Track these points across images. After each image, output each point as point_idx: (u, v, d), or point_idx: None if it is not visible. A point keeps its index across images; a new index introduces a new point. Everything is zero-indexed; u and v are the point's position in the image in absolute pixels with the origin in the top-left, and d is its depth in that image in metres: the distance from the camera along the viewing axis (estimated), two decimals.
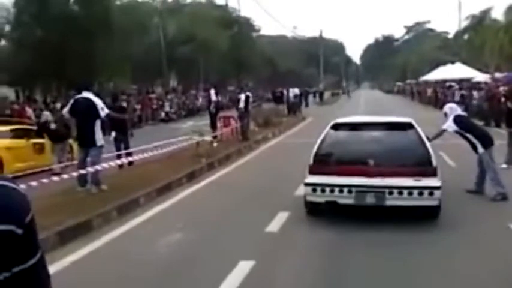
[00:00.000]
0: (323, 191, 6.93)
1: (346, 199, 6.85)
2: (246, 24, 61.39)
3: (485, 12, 48.49)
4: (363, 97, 67.11)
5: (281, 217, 7.37)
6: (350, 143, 7.58)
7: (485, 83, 30.76)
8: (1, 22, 30.97)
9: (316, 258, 5.75)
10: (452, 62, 42.70)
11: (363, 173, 6.87)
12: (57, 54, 27.91)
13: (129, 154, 11.88)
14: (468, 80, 34.36)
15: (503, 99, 21.76)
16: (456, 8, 63.32)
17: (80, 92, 9.32)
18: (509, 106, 12.29)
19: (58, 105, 21.25)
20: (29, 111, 21.05)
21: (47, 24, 29.13)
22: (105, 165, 9.25)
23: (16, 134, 12.73)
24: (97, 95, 9.77)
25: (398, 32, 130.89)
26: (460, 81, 35.21)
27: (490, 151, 8.49)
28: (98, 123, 8.98)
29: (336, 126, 7.83)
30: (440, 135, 8.79)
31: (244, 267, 5.34)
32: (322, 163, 7.23)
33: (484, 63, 39.41)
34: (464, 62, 41.78)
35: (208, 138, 14.30)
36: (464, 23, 52.57)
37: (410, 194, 6.55)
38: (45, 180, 7.97)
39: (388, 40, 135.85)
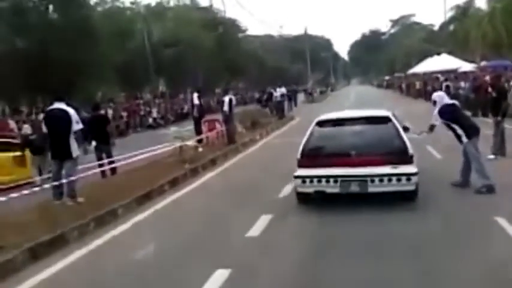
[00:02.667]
0: (311, 182, 7.65)
1: (332, 188, 7.57)
2: (232, 25, 61.21)
3: (470, 2, 48.55)
4: (353, 93, 67.13)
5: (263, 220, 7.22)
6: (333, 137, 8.22)
7: (471, 72, 30.77)
8: None
9: (295, 264, 5.56)
10: (438, 54, 42.81)
11: (347, 163, 7.56)
12: (39, 64, 27.58)
13: (111, 162, 11.75)
14: (454, 71, 34.38)
15: (489, 88, 21.77)
16: (441, 0, 63.53)
17: (51, 103, 9.06)
18: (493, 95, 12.17)
19: (40, 117, 21.00)
20: (12, 124, 20.85)
21: (26, 34, 28.78)
22: (84, 174, 9.07)
23: None
24: (73, 106, 9.49)
25: (385, 26, 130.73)
26: (446, 73, 35.24)
27: (475, 141, 8.36)
28: (72, 134, 8.68)
29: (320, 123, 8.52)
30: (432, 131, 8.73)
31: (220, 276, 5.18)
32: (309, 157, 7.90)
33: (470, 52, 39.40)
34: (451, 53, 41.88)
35: (190, 143, 14.09)
36: (449, 14, 52.73)
37: (389, 180, 7.27)
38: (25, 192, 7.83)
39: (374, 35, 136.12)
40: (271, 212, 7.58)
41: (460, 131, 8.41)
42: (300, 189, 7.90)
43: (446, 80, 30.78)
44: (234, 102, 17.22)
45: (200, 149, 14.80)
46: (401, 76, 61.18)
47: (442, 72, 36.21)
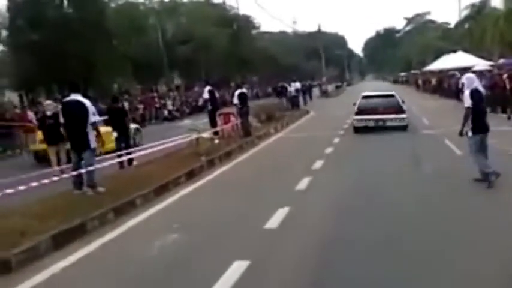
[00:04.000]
0: (361, 121, 16.87)
1: (371, 123, 16.61)
2: (246, 22, 61.05)
3: (485, 1, 47.96)
4: (370, 88, 66.79)
5: (281, 213, 7.19)
6: (369, 102, 17.56)
7: (489, 70, 30.40)
8: None
9: (314, 256, 5.55)
10: (454, 51, 42.44)
11: (376, 113, 16.71)
12: (55, 57, 27.82)
13: (129, 153, 11.93)
14: (469, 68, 34.06)
15: (507, 85, 21.53)
16: None
17: (68, 95, 9.10)
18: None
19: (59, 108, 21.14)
20: (31, 115, 21.01)
21: (42, 28, 29.03)
22: (105, 164, 9.14)
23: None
24: (90, 98, 9.52)
25: (399, 24, 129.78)
26: (462, 70, 34.91)
27: (477, 138, 8.42)
28: (89, 125, 8.72)
29: (363, 97, 18.03)
30: (468, 116, 8.43)
31: (238, 267, 5.16)
32: (360, 111, 17.07)
33: (486, 50, 39.03)
34: (467, 51, 41.48)
35: (206, 135, 14.12)
36: (464, 13, 52.16)
37: (395, 120, 16.44)
38: (45, 181, 7.84)
39: (389, 32, 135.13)
40: (288, 205, 7.54)
41: (470, 123, 8.42)
42: (356, 124, 17.12)
43: (461, 77, 30.47)
44: (248, 95, 17.25)
45: (216, 141, 14.83)
46: (417, 73, 60.77)
47: (458, 70, 35.88)
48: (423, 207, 7.38)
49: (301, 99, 34.11)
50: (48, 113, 12.28)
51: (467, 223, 6.44)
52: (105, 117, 12.83)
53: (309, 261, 5.40)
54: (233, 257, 5.40)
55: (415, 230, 6.30)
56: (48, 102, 13.44)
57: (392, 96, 17.80)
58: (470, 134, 8.46)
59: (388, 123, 16.42)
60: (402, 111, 16.70)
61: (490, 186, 8.09)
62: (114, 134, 12.44)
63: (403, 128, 16.27)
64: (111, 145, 12.62)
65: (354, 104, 17.69)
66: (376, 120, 16.62)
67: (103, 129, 13.70)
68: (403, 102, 17.23)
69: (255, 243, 6.05)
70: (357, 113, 17.08)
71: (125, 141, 12.46)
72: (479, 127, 8.46)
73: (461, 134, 8.57)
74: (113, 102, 13.57)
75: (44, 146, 13.06)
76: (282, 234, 6.35)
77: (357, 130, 16.91)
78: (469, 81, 8.72)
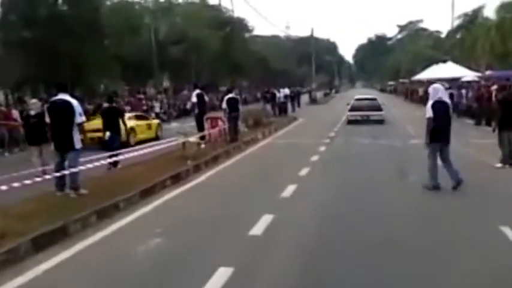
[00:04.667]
0: (352, 116, 24.89)
1: (359, 117, 24.57)
2: (239, 25, 61.07)
3: (478, 11, 48.37)
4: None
5: (266, 220, 7.19)
6: (358, 103, 25.86)
7: (476, 81, 30.71)
8: None
9: (298, 263, 5.56)
10: (444, 61, 42.75)
11: (363, 110, 25.00)
12: (45, 55, 27.59)
13: (114, 155, 11.77)
14: (458, 79, 34.35)
15: (493, 97, 21.72)
16: (449, 7, 63.46)
17: (56, 94, 9.02)
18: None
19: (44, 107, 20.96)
20: (15, 113, 20.79)
21: (35, 25, 28.78)
22: (90, 165, 9.09)
23: (137, 118, 20.30)
24: (77, 98, 9.44)
25: (391, 31, 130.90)
26: (450, 81, 35.20)
27: (434, 147, 8.91)
28: (75, 126, 8.65)
29: (355, 99, 26.45)
30: (430, 126, 8.87)
31: (223, 273, 5.15)
32: (352, 108, 25.24)
33: (475, 61, 39.40)
34: (457, 61, 41.81)
35: (193, 139, 14.08)
36: (457, 22, 52.62)
37: (376, 115, 24.53)
38: (27, 181, 7.74)
39: (380, 39, 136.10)
40: (273, 212, 7.55)
41: (429, 134, 8.87)
42: (349, 118, 24.64)
43: (450, 87, 30.70)
44: (239, 101, 17.20)
45: (202, 146, 14.80)
46: (405, 82, 61.16)
47: (447, 80, 36.16)
48: (407, 213, 7.56)
49: (289, 105, 34.18)
50: (32, 112, 12.04)
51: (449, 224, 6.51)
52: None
53: (294, 268, 5.41)
54: (217, 263, 5.40)
55: (400, 236, 6.38)
56: (33, 101, 13.26)
57: (375, 99, 26.84)
58: (428, 141, 8.94)
59: (371, 118, 24.44)
60: (381, 110, 25.03)
61: (426, 187, 8.87)
62: (107, 134, 12.48)
63: (381, 122, 24.01)
64: (144, 135, 18.17)
65: (348, 104, 25.91)
66: (362, 116, 24.75)
67: (135, 122, 18.94)
68: (382, 104, 25.88)
69: (239, 249, 6.04)
70: (350, 110, 25.31)
71: (116, 141, 12.58)
72: (438, 136, 8.85)
73: (428, 142, 8.93)
74: (108, 102, 13.60)
75: None
76: (266, 241, 6.35)
77: (350, 122, 24.57)
78: (434, 92, 9.05)
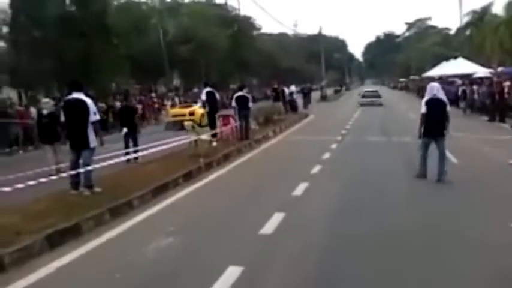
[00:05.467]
0: (362, 101, 39.89)
1: (366, 102, 39.14)
2: (247, 23, 61.04)
3: (486, 8, 48.06)
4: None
5: (277, 218, 7.19)
6: (364, 93, 42.37)
7: (488, 78, 30.46)
8: None
9: (309, 262, 5.56)
10: (455, 58, 42.49)
11: (368, 97, 40.79)
12: (55, 55, 27.80)
13: (136, 151, 12.29)
14: (469, 76, 34.10)
15: (506, 94, 21.57)
16: (457, 4, 63.00)
17: (70, 93, 9.08)
18: None
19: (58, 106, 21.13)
20: (33, 111, 20.96)
21: (44, 25, 29.00)
22: (111, 162, 9.24)
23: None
24: (91, 97, 9.50)
25: (400, 29, 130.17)
26: (462, 77, 34.99)
27: (424, 141, 9.71)
28: (89, 124, 8.71)
29: (364, 91, 44.58)
30: (423, 121, 9.68)
31: (232, 273, 5.16)
32: (362, 96, 41.64)
33: (486, 58, 39.11)
34: (467, 58, 41.53)
35: (204, 137, 14.11)
36: (466, 19, 52.27)
37: (377, 101, 39.14)
38: (43, 179, 7.81)
39: (389, 37, 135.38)
40: (284, 211, 7.55)
41: (422, 128, 9.68)
42: (360, 102, 39.18)
43: (463, 84, 30.51)
44: (250, 99, 17.17)
45: (214, 144, 14.82)
46: (415, 79, 60.83)
47: (458, 76, 35.94)
48: (419, 210, 7.60)
49: (301, 102, 34.28)
50: (44, 111, 12.14)
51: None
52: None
53: (304, 267, 5.41)
54: (228, 262, 5.40)
55: (412, 236, 6.35)
56: (45, 100, 13.38)
57: (376, 91, 43.34)
58: (419, 135, 9.76)
59: (374, 102, 38.37)
60: (380, 97, 40.43)
61: (416, 176, 9.69)
62: (124, 130, 13.17)
63: (380, 104, 37.74)
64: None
65: (359, 94, 43.29)
66: (368, 101, 38.91)
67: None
68: (381, 95, 41.55)
69: (250, 248, 6.04)
70: (361, 97, 41.03)
71: (133, 137, 13.19)
72: (429, 131, 9.60)
73: (420, 135, 9.76)
74: (124, 100, 14.96)
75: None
76: (276, 240, 6.34)
77: (361, 105, 37.85)
78: (430, 90, 9.78)
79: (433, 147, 9.71)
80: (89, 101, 8.88)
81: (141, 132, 14.27)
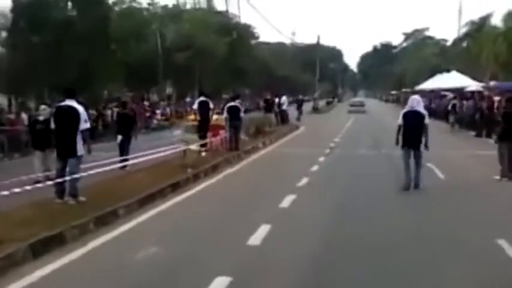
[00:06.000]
0: (350, 109, 53.40)
1: (353, 110, 52.98)
2: (246, 31, 61.18)
3: (485, 19, 47.85)
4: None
5: (264, 230, 7.21)
6: (353, 104, 58.88)
7: (479, 92, 30.60)
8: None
9: (296, 273, 5.59)
10: (448, 71, 42.62)
11: (355, 106, 55.98)
12: (52, 60, 27.70)
13: (126, 159, 12.49)
14: (461, 89, 34.25)
15: (495, 109, 21.70)
16: (456, 15, 63.26)
17: (62, 100, 9.08)
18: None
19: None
20: (25, 118, 20.88)
21: (43, 30, 28.91)
22: (98, 170, 9.26)
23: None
24: (82, 104, 9.50)
25: (397, 39, 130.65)
26: (454, 91, 35.14)
27: (405, 151, 10.22)
28: (79, 132, 8.69)
29: (352, 101, 64.00)
30: (398, 131, 10.34)
31: (220, 283, 5.17)
32: (350, 105, 57.79)
33: (480, 71, 39.20)
34: (462, 70, 41.51)
35: (193, 147, 14.13)
36: (464, 30, 52.27)
37: (362, 109, 53.47)
38: (28, 187, 7.80)
39: (386, 47, 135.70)
40: (271, 222, 7.57)
41: (398, 137, 10.29)
42: (349, 110, 53.29)
43: (454, 98, 30.67)
44: (241, 110, 17.24)
45: (203, 154, 14.84)
46: (407, 91, 61.10)
47: (450, 90, 36.06)
48: (407, 223, 7.75)
49: (294, 113, 34.44)
50: (41, 117, 12.12)
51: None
52: None
53: (292, 278, 5.44)
54: (216, 272, 5.41)
55: (399, 245, 6.43)
56: (43, 107, 13.42)
57: (362, 102, 61.30)
58: (400, 146, 10.35)
59: (359, 110, 51.61)
60: (364, 106, 56.12)
61: (403, 189, 10.04)
62: (119, 137, 13.49)
63: (364, 111, 51.09)
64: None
65: (348, 104, 59.86)
66: (355, 109, 52.68)
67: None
68: (364, 104, 58.30)
69: (237, 259, 6.06)
70: (350, 106, 56.24)
71: (127, 144, 13.48)
72: (406, 142, 10.19)
73: (396, 143, 10.38)
74: (122, 107, 15.17)
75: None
76: (264, 251, 6.38)
77: (349, 112, 50.24)
78: (410, 102, 10.48)
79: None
80: (80, 108, 8.85)
81: (137, 139, 14.41)
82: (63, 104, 8.95)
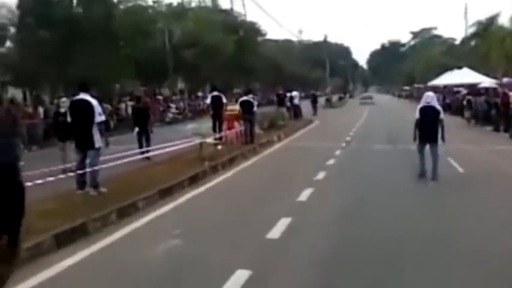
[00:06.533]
0: (361, 102, 66.97)
1: (363, 102, 65.71)
2: (252, 29, 61.16)
3: (492, 19, 47.98)
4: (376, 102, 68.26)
5: (283, 223, 7.19)
6: (364, 96, 78.90)
7: (494, 88, 30.38)
8: (6, 24, 31.03)
9: (315, 266, 5.56)
10: (459, 67, 42.46)
11: (365, 99, 70.67)
12: (62, 55, 27.90)
13: (148, 151, 12.99)
14: (474, 86, 34.10)
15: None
16: (462, 14, 63.20)
17: (76, 93, 9.17)
18: None
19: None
20: (41, 111, 21.09)
21: (51, 26, 29.15)
22: (117, 162, 9.39)
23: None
24: (97, 98, 9.56)
25: (405, 38, 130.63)
26: (467, 87, 34.98)
27: (420, 145, 10.65)
28: (95, 125, 8.79)
29: (362, 95, 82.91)
30: (417, 125, 10.65)
31: (240, 276, 5.15)
32: (361, 98, 74.75)
33: (491, 68, 39.14)
34: (471, 68, 41.53)
35: (209, 140, 14.15)
36: (471, 30, 52.40)
37: (371, 102, 64.91)
38: (50, 178, 7.90)
39: (394, 45, 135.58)
40: (290, 216, 7.55)
41: (416, 132, 10.65)
42: (360, 102, 66.21)
43: (468, 94, 30.45)
44: (255, 104, 17.27)
45: (219, 147, 14.85)
46: (420, 87, 60.84)
47: (464, 86, 35.92)
48: (423, 217, 7.65)
49: (308, 108, 34.43)
50: (62, 110, 12.29)
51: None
52: None
53: (311, 272, 5.41)
54: (236, 265, 5.40)
55: (416, 244, 6.32)
56: (64, 99, 13.64)
57: (371, 96, 75.90)
58: (416, 141, 10.73)
59: (368, 102, 62.67)
60: (372, 98, 69.97)
61: (419, 177, 10.51)
62: (136, 129, 14.44)
63: (372, 103, 61.49)
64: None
65: (360, 98, 75.90)
66: (364, 101, 64.63)
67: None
68: (373, 97, 73.26)
69: (257, 252, 6.04)
70: (361, 99, 72.06)
71: (145, 136, 14.43)
72: (421, 136, 10.56)
73: (414, 139, 10.70)
74: (137, 102, 16.44)
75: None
76: (283, 245, 6.35)
77: (361, 104, 60.78)
78: (424, 98, 10.84)
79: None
80: (94, 101, 8.96)
81: (153, 132, 15.03)
82: (77, 97, 9.10)
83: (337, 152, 15.44)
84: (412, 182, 10.46)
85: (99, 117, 8.89)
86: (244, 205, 8.72)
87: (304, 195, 9.20)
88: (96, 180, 8.66)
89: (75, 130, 9.04)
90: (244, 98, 17.32)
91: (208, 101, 17.39)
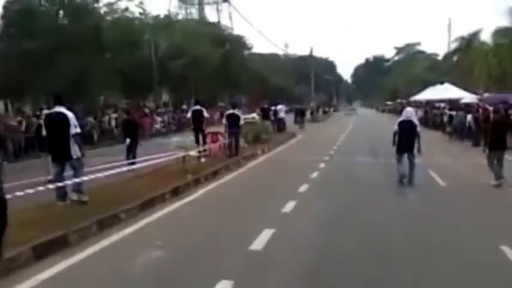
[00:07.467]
0: (346, 113, 79.44)
1: (348, 113, 78.27)
2: (238, 42, 61.41)
3: (474, 35, 48.88)
4: (355, 116, 68.63)
5: (266, 235, 7.18)
6: (348, 109, 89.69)
7: (475, 103, 30.80)
8: None
9: (298, 278, 5.57)
10: (441, 83, 43.04)
11: (350, 110, 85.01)
12: (46, 67, 27.69)
13: (133, 162, 12.88)
14: (456, 101, 34.55)
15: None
16: (446, 30, 64.24)
17: (52, 107, 9.22)
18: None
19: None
20: (23, 123, 20.92)
21: (36, 37, 28.95)
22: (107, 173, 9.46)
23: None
24: (72, 111, 9.57)
25: (389, 53, 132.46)
26: (449, 102, 35.41)
27: (400, 155, 11.62)
28: (71, 137, 8.81)
29: (347, 108, 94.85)
30: (395, 136, 11.66)
31: (223, 287, 5.14)
32: (346, 110, 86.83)
33: (473, 84, 39.77)
34: (454, 83, 42.12)
35: (193, 153, 14.13)
36: (454, 45, 53.23)
37: (354, 113, 78.69)
38: (40, 188, 7.87)
39: (378, 60, 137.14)
40: (273, 227, 7.55)
41: (395, 138, 11.68)
42: (345, 114, 78.14)
43: (451, 109, 30.79)
44: (241, 118, 17.34)
45: (203, 160, 14.82)
46: (402, 102, 61.48)
47: (445, 101, 36.36)
48: (406, 229, 7.71)
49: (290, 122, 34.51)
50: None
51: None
52: None
53: (294, 283, 5.42)
54: (218, 276, 5.39)
55: (399, 252, 6.40)
56: (46, 111, 13.60)
57: (354, 108, 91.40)
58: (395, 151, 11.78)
59: (352, 113, 75.94)
60: (355, 110, 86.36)
61: (400, 185, 11.36)
62: (127, 141, 14.77)
63: (356, 114, 75.27)
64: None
65: (345, 110, 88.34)
66: (349, 113, 76.95)
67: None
68: (356, 109, 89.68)
69: (240, 264, 6.03)
70: (346, 111, 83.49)
71: (134, 147, 14.68)
72: (400, 147, 11.56)
73: (393, 143, 11.72)
74: (126, 114, 17.53)
75: None
76: (266, 256, 6.35)
77: (346, 115, 73.20)
78: (405, 113, 11.91)
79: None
80: (69, 114, 9.02)
81: (142, 145, 15.18)
82: (53, 110, 9.16)
83: (321, 165, 15.50)
84: (394, 194, 10.56)
85: (75, 129, 8.93)
86: (228, 216, 8.71)
87: (288, 207, 9.23)
88: (80, 187, 8.66)
89: (52, 143, 9.09)
90: (231, 111, 17.36)
91: (189, 115, 17.47)
